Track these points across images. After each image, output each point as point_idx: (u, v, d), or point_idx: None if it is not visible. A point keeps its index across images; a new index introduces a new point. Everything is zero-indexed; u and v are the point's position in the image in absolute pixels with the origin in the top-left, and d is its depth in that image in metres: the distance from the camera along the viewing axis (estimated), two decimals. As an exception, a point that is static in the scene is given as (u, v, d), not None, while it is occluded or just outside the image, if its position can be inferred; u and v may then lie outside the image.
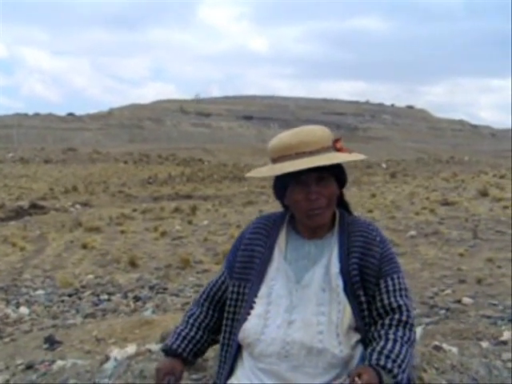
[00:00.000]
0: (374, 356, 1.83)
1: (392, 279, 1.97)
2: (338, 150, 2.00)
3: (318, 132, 1.99)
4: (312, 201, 1.94)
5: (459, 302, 8.61)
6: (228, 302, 2.10)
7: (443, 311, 8.09)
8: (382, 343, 1.87)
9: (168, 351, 2.16)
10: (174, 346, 2.15)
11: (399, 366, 1.81)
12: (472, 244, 13.79)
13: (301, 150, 1.93)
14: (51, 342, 7.04)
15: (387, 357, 1.82)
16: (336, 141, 2.02)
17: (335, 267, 1.96)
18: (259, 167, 2.14)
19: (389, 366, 1.80)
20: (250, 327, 1.96)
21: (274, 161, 1.99)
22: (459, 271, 11.04)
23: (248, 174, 2.11)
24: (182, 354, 2.14)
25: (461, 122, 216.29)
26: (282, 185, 2.02)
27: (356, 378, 1.71)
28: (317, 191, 1.94)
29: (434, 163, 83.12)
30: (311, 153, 1.93)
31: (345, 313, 1.91)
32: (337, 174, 2.01)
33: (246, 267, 2.07)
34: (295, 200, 1.98)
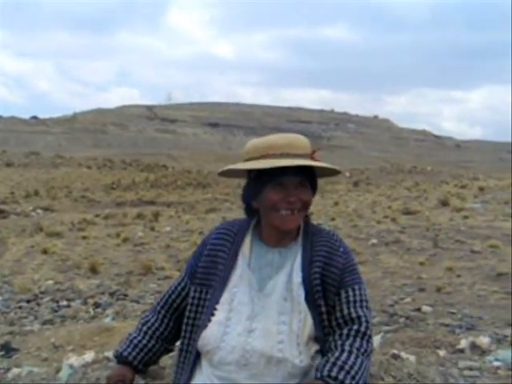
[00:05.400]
0: (327, 367, 1.80)
1: (353, 290, 1.95)
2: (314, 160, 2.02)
3: (303, 138, 2.02)
4: (290, 203, 1.92)
5: (419, 310, 8.70)
6: (188, 308, 2.05)
7: (403, 319, 8.16)
8: (336, 354, 1.84)
9: (119, 358, 2.13)
10: (125, 354, 2.11)
11: (353, 378, 1.78)
12: (432, 253, 13.98)
13: (286, 151, 1.92)
14: (7, 350, 6.92)
15: (341, 368, 1.79)
16: (313, 152, 2.02)
17: (297, 276, 1.94)
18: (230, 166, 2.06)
19: (341, 376, 1.77)
20: (210, 334, 1.92)
21: (255, 159, 1.95)
22: (419, 280, 11.17)
23: (231, 167, 2.04)
24: (133, 362, 2.10)
25: (424, 133, 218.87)
26: (257, 186, 1.97)
27: None
28: (296, 194, 1.93)
29: (397, 173, 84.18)
30: (296, 156, 1.93)
31: (305, 322, 1.88)
32: (312, 182, 2.01)
33: (208, 273, 2.03)
34: (272, 201, 1.93)
